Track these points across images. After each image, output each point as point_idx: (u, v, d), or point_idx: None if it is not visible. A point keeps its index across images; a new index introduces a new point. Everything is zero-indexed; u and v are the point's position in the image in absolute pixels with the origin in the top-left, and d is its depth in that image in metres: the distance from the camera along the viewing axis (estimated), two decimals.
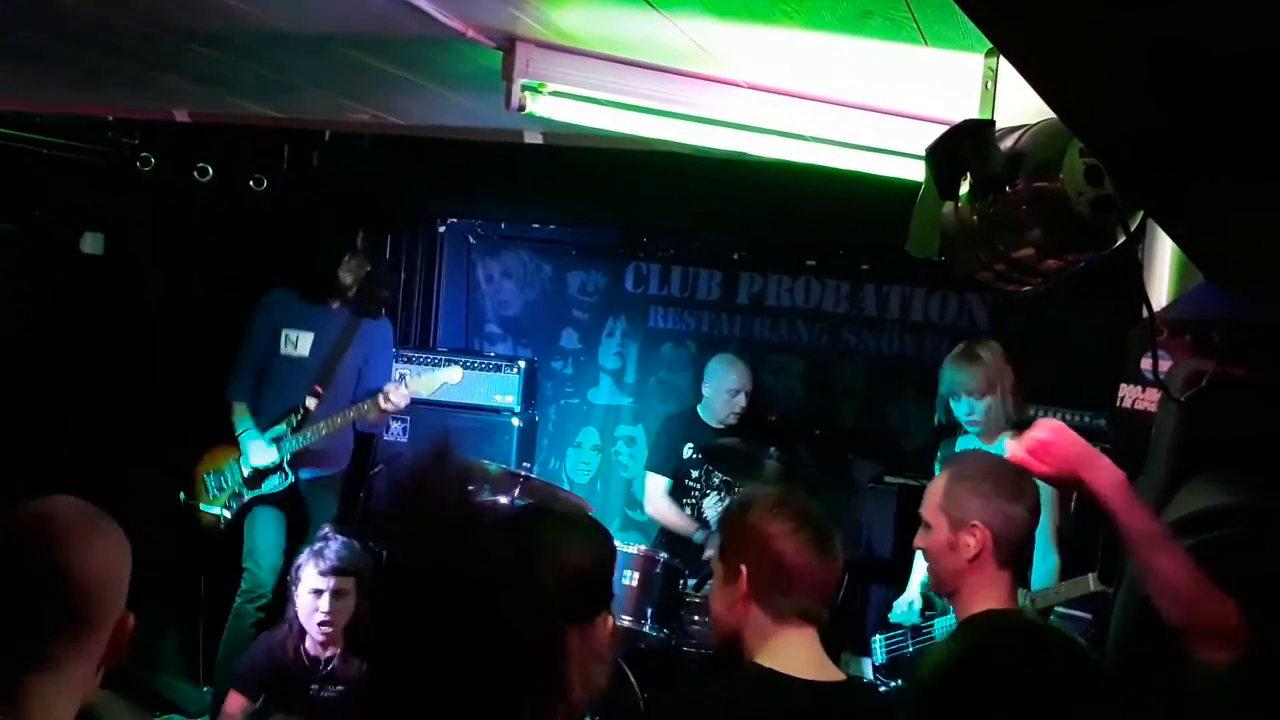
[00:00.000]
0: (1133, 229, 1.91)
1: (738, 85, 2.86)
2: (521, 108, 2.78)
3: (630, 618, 4.86)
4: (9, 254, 5.67)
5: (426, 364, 5.75)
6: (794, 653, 2.30)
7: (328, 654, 3.96)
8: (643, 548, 5.10)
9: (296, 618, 4.01)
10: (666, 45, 2.58)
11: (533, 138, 4.04)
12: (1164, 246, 2.74)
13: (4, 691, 1.55)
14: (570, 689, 1.43)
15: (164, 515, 5.14)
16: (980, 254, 2.01)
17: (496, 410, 5.91)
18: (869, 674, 4.44)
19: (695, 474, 5.53)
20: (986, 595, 2.52)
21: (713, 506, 5.49)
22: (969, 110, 2.03)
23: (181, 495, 5.21)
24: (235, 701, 4.04)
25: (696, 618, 4.95)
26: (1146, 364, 3.20)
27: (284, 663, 3.97)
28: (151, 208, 5.80)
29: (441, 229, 6.60)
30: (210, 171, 5.51)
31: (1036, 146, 1.91)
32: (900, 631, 4.42)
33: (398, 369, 5.80)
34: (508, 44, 2.73)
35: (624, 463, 6.39)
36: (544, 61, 2.75)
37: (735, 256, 6.22)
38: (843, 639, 4.61)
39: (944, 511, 2.57)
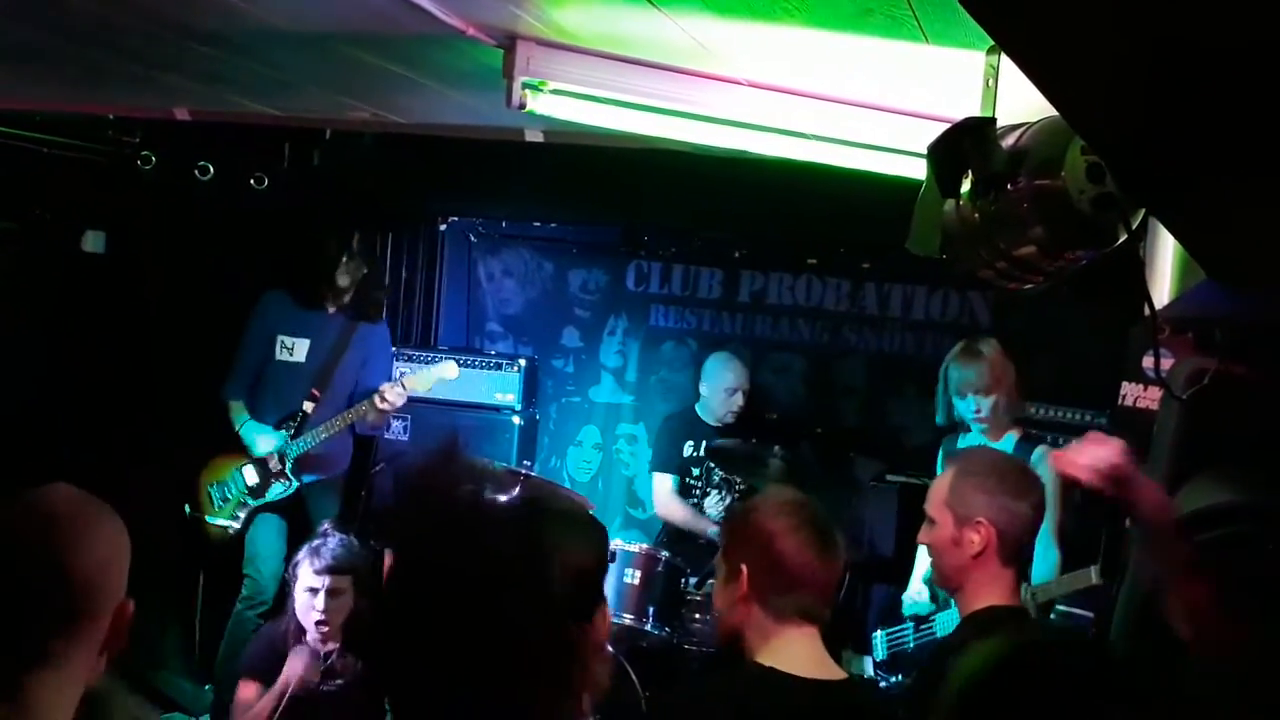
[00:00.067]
0: (1134, 227, 1.90)
1: (739, 83, 2.86)
2: (522, 106, 2.78)
3: (632, 616, 4.86)
4: (10, 252, 5.67)
5: (427, 363, 5.74)
6: (795, 651, 2.30)
7: (327, 648, 3.96)
8: (644, 546, 5.10)
9: (295, 613, 4.01)
10: (667, 43, 2.57)
11: (534, 136, 4.04)
12: (1166, 244, 2.73)
13: (5, 689, 1.55)
14: (578, 687, 1.43)
15: (164, 514, 5.14)
16: (982, 252, 2.01)
17: (497, 408, 5.90)
18: (870, 672, 4.44)
19: (696, 472, 5.53)
20: (989, 592, 2.52)
21: (714, 505, 5.49)
22: (970, 108, 2.03)
23: (187, 508, 5.20)
24: (248, 689, 4.04)
25: (698, 616, 4.95)
26: (1148, 362, 3.20)
27: (285, 654, 3.97)
28: (152, 206, 5.80)
29: (442, 227, 6.59)
30: (211, 170, 5.51)
31: (1038, 144, 1.90)
32: (901, 627, 4.42)
33: (398, 367, 5.80)
34: (508, 42, 2.73)
35: (625, 461, 6.39)
36: (545, 59, 2.75)
37: (736, 255, 6.21)
38: (844, 637, 4.61)
39: (949, 507, 2.57)
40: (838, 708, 2.30)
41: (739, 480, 5.41)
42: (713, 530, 5.31)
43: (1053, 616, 4.11)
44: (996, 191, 1.92)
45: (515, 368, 5.93)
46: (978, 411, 4.34)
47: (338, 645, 3.96)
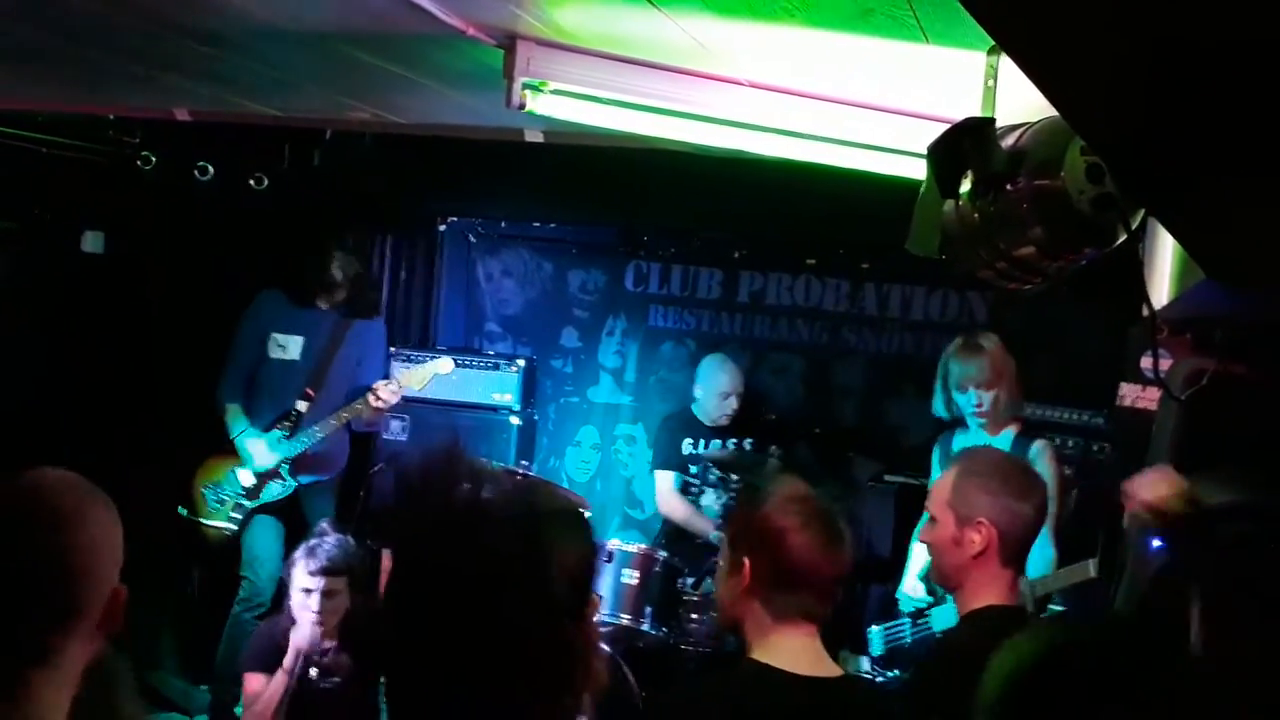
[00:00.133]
0: (1134, 227, 1.91)
1: (738, 83, 2.86)
2: (522, 106, 2.78)
3: (629, 616, 4.87)
4: (10, 252, 5.67)
5: (424, 361, 5.74)
6: (792, 649, 2.30)
7: (323, 645, 3.97)
8: (642, 546, 5.10)
9: (291, 612, 4.03)
10: (667, 43, 2.58)
11: (533, 136, 4.03)
12: (1165, 244, 2.74)
13: (3, 686, 1.55)
14: (579, 687, 1.44)
15: (164, 514, 5.14)
16: (981, 252, 2.01)
17: (495, 409, 5.90)
18: (866, 667, 4.44)
19: (694, 470, 5.54)
20: (989, 591, 2.53)
21: (711, 503, 5.49)
22: (970, 108, 2.03)
23: (183, 510, 5.17)
24: (255, 681, 4.05)
25: (695, 616, 4.95)
26: (1147, 362, 3.20)
27: (284, 647, 3.98)
28: (152, 206, 5.79)
29: (442, 227, 6.59)
30: (211, 170, 5.50)
31: (1038, 144, 1.91)
32: (898, 622, 4.42)
33: (396, 367, 5.79)
34: (508, 42, 2.73)
35: (624, 461, 6.39)
36: (545, 60, 2.75)
37: (735, 255, 6.21)
38: (841, 637, 4.60)
39: (951, 507, 2.57)
40: (834, 705, 2.29)
41: (735, 479, 5.41)
42: (715, 535, 5.32)
43: (1047, 615, 4.12)
44: (996, 192, 1.93)
45: (514, 368, 5.93)
46: (979, 405, 4.33)
47: (334, 644, 3.97)
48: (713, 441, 5.54)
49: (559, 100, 2.83)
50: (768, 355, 6.16)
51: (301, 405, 5.15)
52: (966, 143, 1.94)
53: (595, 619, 1.54)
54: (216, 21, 2.83)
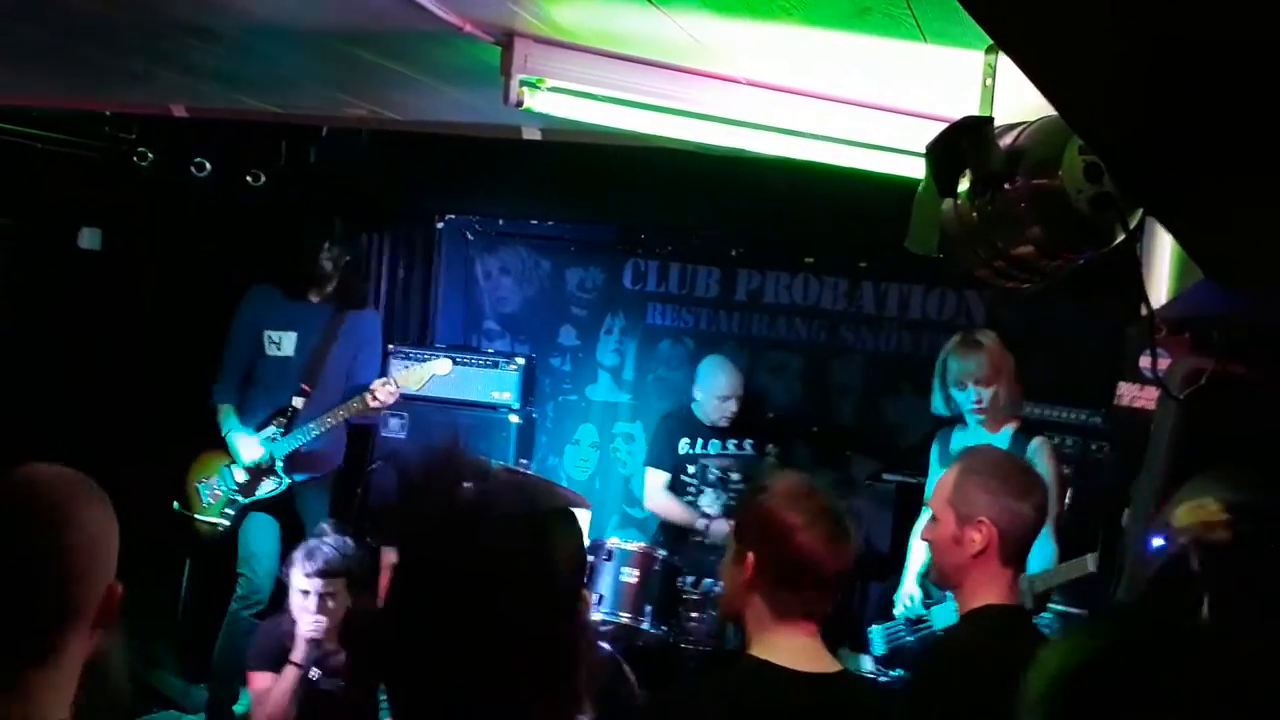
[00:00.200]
0: (1132, 226, 1.90)
1: (736, 81, 2.86)
2: (520, 103, 2.78)
3: (629, 615, 4.87)
4: (5, 249, 5.67)
5: (423, 360, 5.74)
6: (791, 645, 2.29)
7: (326, 648, 3.96)
8: (641, 545, 5.10)
9: (292, 613, 4.02)
10: (665, 41, 2.57)
11: (531, 134, 4.03)
12: (1163, 244, 2.73)
13: (3, 685, 1.54)
14: (579, 687, 1.43)
15: (158, 510, 5.13)
16: (979, 251, 2.01)
17: (494, 407, 5.89)
18: (869, 669, 4.44)
19: (691, 470, 5.53)
20: (988, 590, 2.52)
21: (710, 503, 5.49)
22: (968, 107, 2.03)
23: (175, 505, 5.16)
24: (262, 679, 4.05)
25: (695, 614, 4.95)
26: (1145, 362, 3.20)
27: (289, 647, 3.98)
28: (149, 203, 5.79)
29: (439, 225, 6.58)
30: (208, 167, 5.49)
31: (1036, 144, 1.90)
32: (898, 622, 4.42)
33: (394, 365, 5.78)
34: (506, 39, 2.73)
35: (622, 459, 6.39)
36: (542, 57, 2.74)
37: (733, 253, 6.21)
38: (841, 635, 4.61)
39: (952, 505, 2.57)
40: (832, 700, 2.29)
41: (736, 479, 5.41)
42: (701, 522, 5.32)
43: (1048, 614, 4.12)
44: (994, 191, 1.92)
45: (512, 366, 5.92)
46: (978, 402, 4.33)
47: (335, 645, 3.96)
48: (711, 441, 5.53)
49: (557, 97, 2.83)
50: (765, 354, 6.15)
51: (298, 402, 5.14)
52: (965, 142, 1.93)
53: (588, 616, 1.54)
54: (213, 18, 2.83)
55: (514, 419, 5.88)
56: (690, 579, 5.06)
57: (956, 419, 4.51)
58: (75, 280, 5.87)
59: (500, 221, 6.57)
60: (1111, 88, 1.30)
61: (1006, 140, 1.94)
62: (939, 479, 2.74)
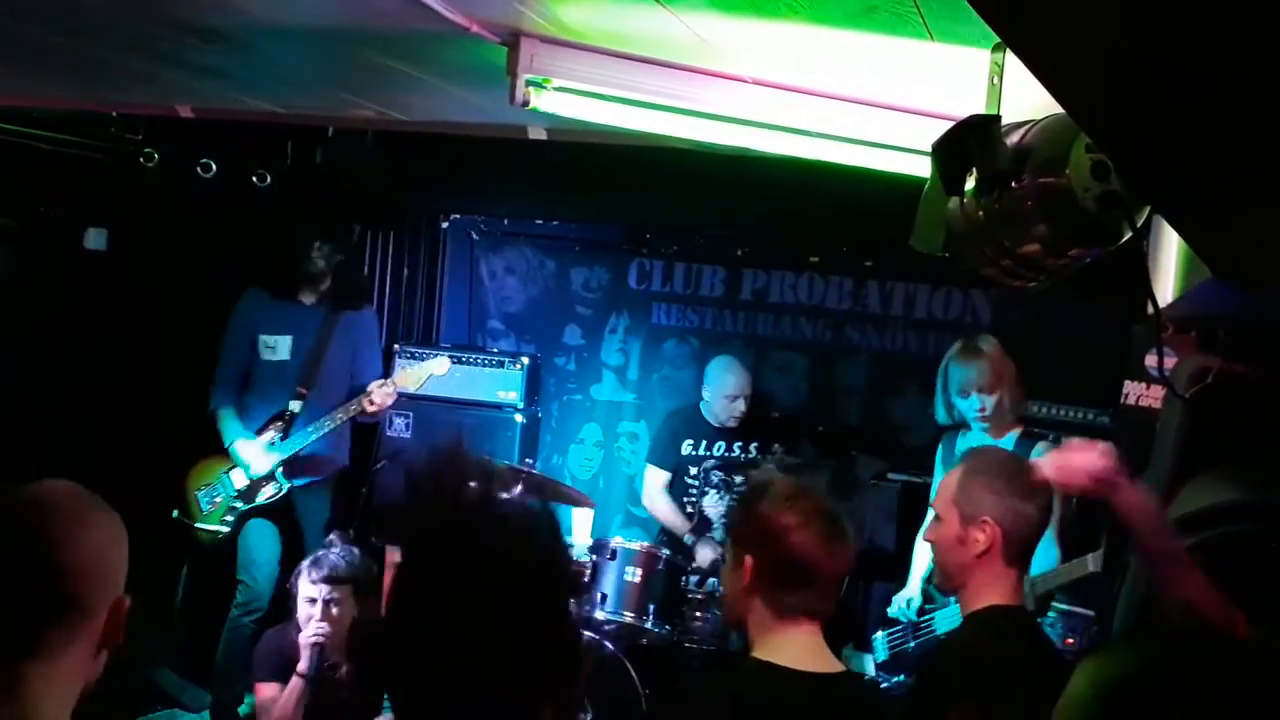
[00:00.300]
0: (1139, 225, 1.90)
1: (742, 81, 2.86)
2: (525, 103, 2.78)
3: (632, 614, 4.87)
4: (11, 249, 5.68)
5: (423, 360, 5.74)
6: (793, 646, 2.29)
7: (330, 660, 3.96)
8: (645, 544, 5.10)
9: (298, 622, 4.02)
10: (671, 40, 2.57)
11: (536, 133, 4.03)
12: (1169, 242, 2.73)
13: (1, 682, 1.55)
14: (580, 688, 1.44)
15: (161, 513, 5.13)
16: (986, 250, 2.01)
17: (499, 406, 5.90)
18: (871, 670, 4.44)
19: (694, 471, 5.53)
20: (992, 591, 2.52)
21: (713, 505, 5.49)
22: (975, 106, 2.03)
23: (175, 513, 5.15)
24: (268, 689, 4.05)
25: (698, 614, 4.95)
26: (1151, 360, 3.20)
27: (294, 657, 3.98)
28: (154, 204, 5.79)
29: (445, 225, 6.59)
30: (213, 167, 5.50)
31: (1043, 142, 1.90)
32: (901, 627, 4.42)
33: (400, 363, 5.79)
34: (512, 39, 2.73)
35: (626, 459, 6.39)
36: (548, 57, 2.74)
37: (739, 253, 6.21)
38: (844, 635, 4.61)
39: (956, 505, 2.57)
40: (835, 701, 2.29)
41: (739, 481, 5.41)
42: (689, 538, 5.32)
43: (1052, 613, 4.11)
44: (1001, 189, 1.92)
45: (517, 365, 5.93)
46: (981, 410, 4.34)
47: (341, 654, 3.95)
48: (717, 443, 5.54)
49: (562, 97, 2.83)
50: (770, 353, 6.15)
51: (295, 406, 5.12)
52: (971, 140, 1.93)
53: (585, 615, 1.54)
54: (219, 18, 2.83)
55: (519, 418, 5.89)
56: (694, 578, 5.06)
57: (961, 424, 4.51)
58: (81, 281, 5.88)
59: (505, 221, 6.58)
60: (1119, 86, 1.30)
61: (1013, 138, 1.94)
62: (943, 479, 2.74)
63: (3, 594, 1.57)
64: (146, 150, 5.46)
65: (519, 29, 2.69)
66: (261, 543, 5.12)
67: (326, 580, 3.97)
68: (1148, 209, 1.93)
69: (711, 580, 4.97)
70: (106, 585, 1.63)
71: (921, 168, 2.26)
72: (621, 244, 6.41)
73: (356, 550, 4.14)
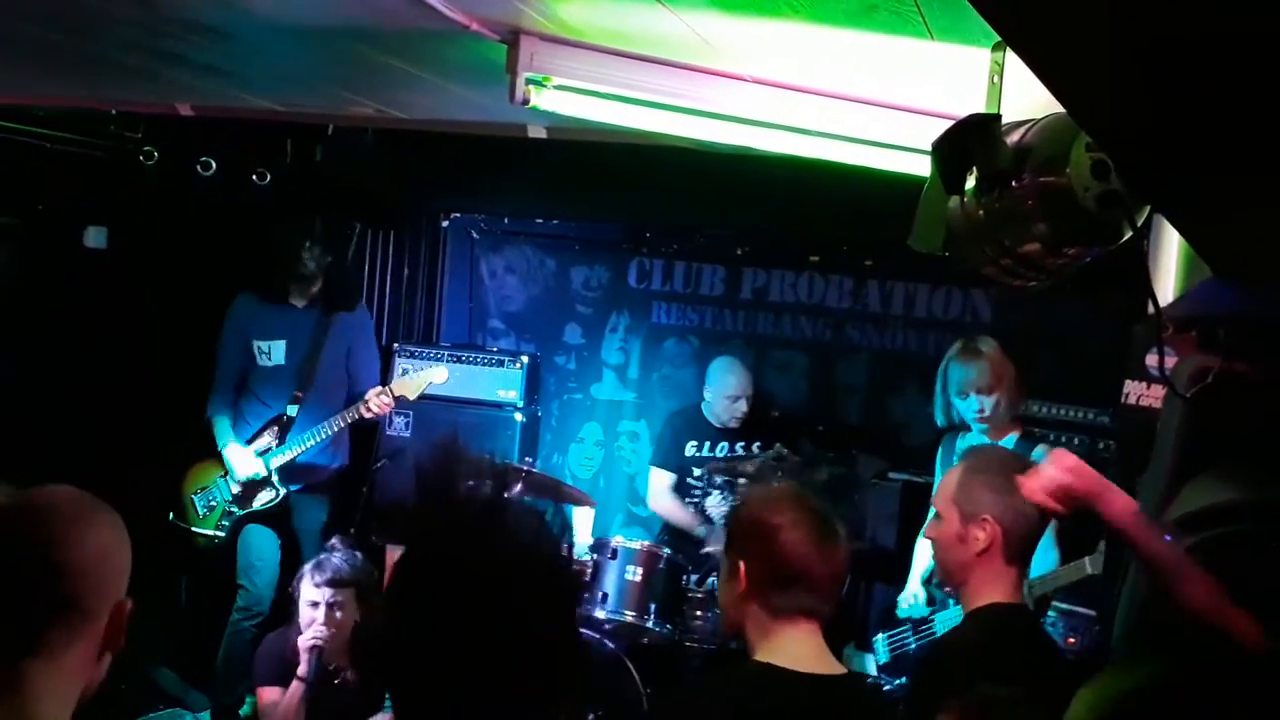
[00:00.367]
0: (1139, 224, 1.90)
1: (742, 79, 2.86)
2: (525, 101, 2.78)
3: (633, 613, 4.86)
4: (11, 248, 5.67)
5: (429, 359, 5.75)
6: (794, 648, 2.29)
7: (333, 665, 3.96)
8: (646, 543, 5.10)
9: (300, 626, 4.02)
10: (671, 39, 2.57)
11: (536, 132, 4.03)
12: (1170, 241, 2.73)
13: (1, 681, 1.55)
14: (579, 689, 1.44)
15: (162, 512, 5.14)
16: (986, 249, 2.00)
17: (499, 405, 5.90)
18: (872, 671, 4.44)
19: (698, 472, 5.52)
20: (992, 589, 2.53)
21: (716, 505, 5.48)
22: (975, 105, 2.02)
23: (170, 515, 5.15)
24: (270, 693, 4.05)
25: (699, 613, 4.95)
26: (1151, 360, 3.19)
27: (294, 662, 3.98)
28: (154, 202, 5.79)
29: (445, 224, 6.59)
30: (213, 165, 5.50)
31: (1043, 141, 1.90)
32: (902, 628, 4.41)
33: (400, 363, 5.79)
34: (512, 37, 2.72)
35: (627, 458, 6.39)
36: (548, 55, 2.74)
37: (739, 252, 6.21)
38: (845, 634, 4.61)
39: (956, 503, 2.57)
40: (836, 702, 2.29)
41: (743, 481, 5.40)
42: (700, 530, 5.32)
43: (1053, 613, 4.11)
44: (1001, 188, 1.92)
45: (517, 364, 5.93)
46: (980, 411, 4.34)
47: (345, 657, 3.95)
48: (720, 443, 5.53)
49: (562, 96, 2.83)
50: (771, 352, 6.15)
51: (291, 410, 5.12)
52: (971, 139, 1.93)
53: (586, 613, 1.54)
54: (219, 16, 2.83)
55: (519, 417, 5.89)
56: (695, 577, 5.06)
57: (961, 425, 4.51)
58: (81, 279, 5.87)
59: (505, 220, 6.58)
60: (1119, 84, 1.30)
61: (1013, 137, 1.94)
62: (944, 477, 2.74)
63: (3, 593, 1.57)
64: (146, 148, 5.46)
65: (519, 27, 2.69)
66: (260, 546, 5.12)
67: (329, 584, 3.97)
68: (1148, 208, 1.93)
69: (711, 579, 4.96)
70: (108, 587, 1.63)
71: (922, 167, 2.26)
72: (622, 243, 6.41)
73: (359, 554, 4.14)
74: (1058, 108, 1.64)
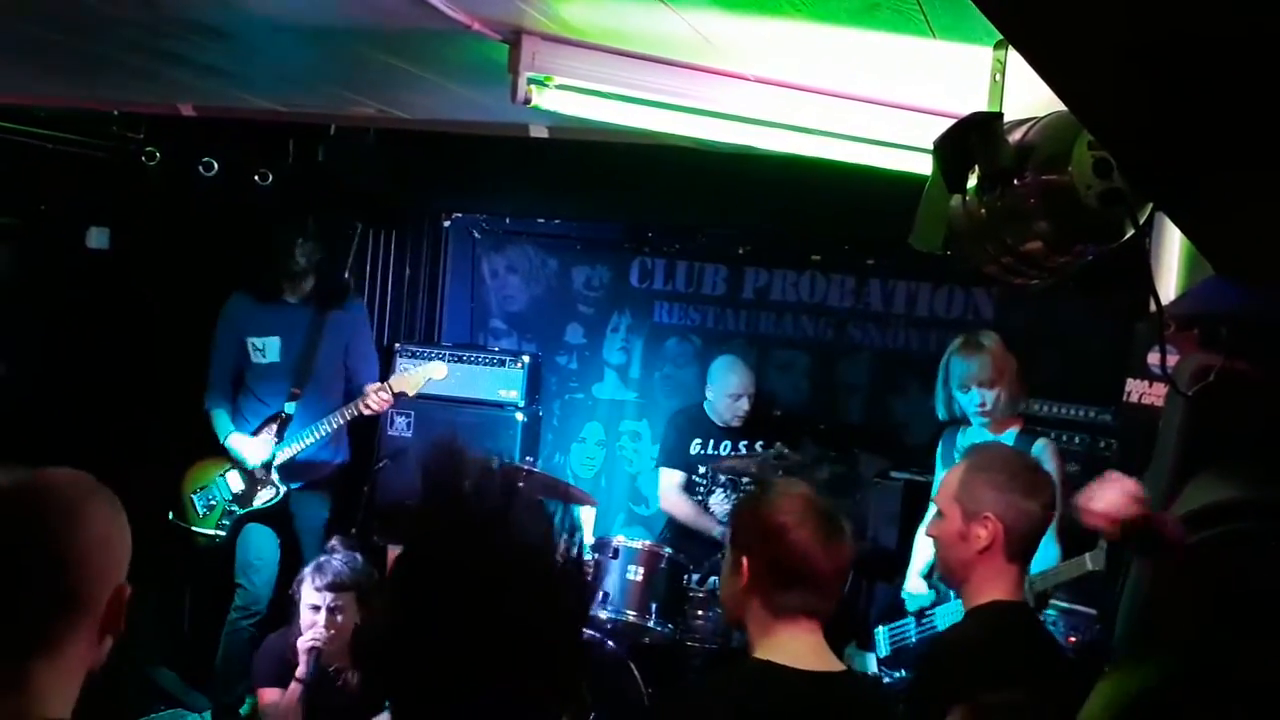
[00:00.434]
0: (1141, 222, 1.90)
1: (744, 79, 2.86)
2: (527, 101, 2.78)
3: (635, 613, 4.87)
4: (13, 248, 5.67)
5: (430, 359, 5.74)
6: (794, 646, 2.29)
7: (334, 667, 3.96)
8: (647, 543, 5.10)
9: (300, 629, 4.02)
10: (673, 38, 2.57)
11: (538, 132, 4.03)
12: (1172, 239, 2.73)
13: (4, 677, 1.54)
14: (580, 690, 1.44)
15: (162, 512, 5.13)
16: (988, 247, 2.00)
17: (500, 405, 5.90)
18: (873, 669, 4.44)
19: (702, 470, 5.53)
20: (993, 587, 2.53)
21: (720, 504, 5.49)
22: (977, 103, 2.02)
23: (170, 515, 5.15)
24: (269, 694, 4.05)
25: (701, 612, 4.95)
26: (1153, 358, 3.19)
27: (294, 663, 3.98)
28: (156, 202, 5.79)
29: (446, 224, 6.59)
30: (215, 166, 5.50)
31: (1045, 139, 1.90)
32: (903, 622, 4.42)
33: (401, 363, 5.79)
34: (513, 37, 2.73)
35: (628, 458, 6.39)
36: (550, 55, 2.74)
37: (740, 251, 6.21)
38: (846, 633, 4.61)
39: (957, 501, 2.57)
40: (837, 700, 2.29)
41: (746, 480, 5.41)
42: (719, 530, 5.31)
43: (1053, 611, 4.11)
44: (1003, 187, 1.92)
45: (519, 364, 5.93)
46: (982, 405, 4.34)
47: (347, 660, 3.95)
48: (723, 442, 5.54)
49: (564, 95, 2.83)
50: (772, 351, 6.15)
51: (289, 407, 5.12)
52: (973, 137, 1.93)
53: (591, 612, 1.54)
54: (221, 16, 2.83)
55: (520, 417, 5.89)
56: (696, 577, 5.06)
57: (961, 420, 4.51)
58: (83, 280, 5.87)
59: (507, 220, 6.57)
60: (1121, 82, 1.30)
61: (1015, 136, 1.94)
62: (946, 475, 2.74)
63: (3, 592, 1.57)
64: (148, 149, 5.46)
65: (520, 26, 2.69)
66: (259, 545, 5.11)
67: (330, 587, 3.96)
68: (1150, 206, 1.93)
69: (713, 579, 4.97)
70: (108, 574, 1.62)
71: (923, 165, 2.26)
72: (623, 242, 6.41)
73: (359, 556, 4.13)
74: (1060, 106, 1.63)
